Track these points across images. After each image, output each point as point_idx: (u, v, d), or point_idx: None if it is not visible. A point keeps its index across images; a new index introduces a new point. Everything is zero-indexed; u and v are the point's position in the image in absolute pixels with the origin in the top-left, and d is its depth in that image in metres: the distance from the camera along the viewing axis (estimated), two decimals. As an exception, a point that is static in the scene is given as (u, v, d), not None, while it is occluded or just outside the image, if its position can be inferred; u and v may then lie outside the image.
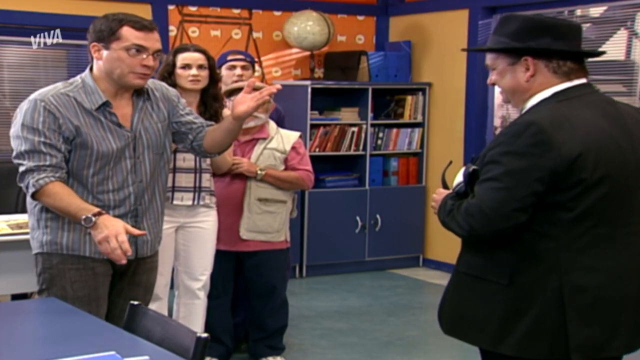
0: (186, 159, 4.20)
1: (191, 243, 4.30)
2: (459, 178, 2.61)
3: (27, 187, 3.06)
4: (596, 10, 6.59)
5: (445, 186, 2.77)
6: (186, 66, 4.23)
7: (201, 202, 4.26)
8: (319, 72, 7.54)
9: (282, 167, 4.63)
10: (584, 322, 2.51)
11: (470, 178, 2.56)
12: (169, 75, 4.22)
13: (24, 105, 3.11)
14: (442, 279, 7.13)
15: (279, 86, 3.31)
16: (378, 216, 7.39)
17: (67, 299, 3.06)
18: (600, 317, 2.52)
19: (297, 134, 4.75)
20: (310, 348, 5.20)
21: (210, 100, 4.29)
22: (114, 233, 2.90)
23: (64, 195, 3.03)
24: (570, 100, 2.55)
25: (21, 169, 3.07)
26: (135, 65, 3.08)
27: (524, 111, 2.62)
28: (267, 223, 4.58)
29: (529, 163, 2.43)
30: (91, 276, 3.15)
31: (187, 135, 3.39)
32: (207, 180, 4.29)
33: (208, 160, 4.28)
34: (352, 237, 7.31)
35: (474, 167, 2.57)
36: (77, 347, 2.40)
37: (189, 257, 4.32)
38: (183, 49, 4.31)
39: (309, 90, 7.02)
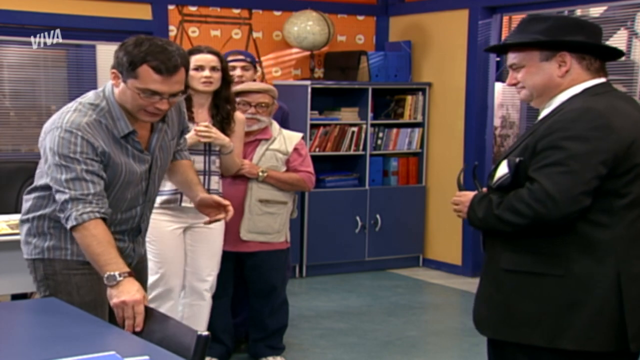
0: (195, 162, 4.15)
1: (198, 244, 4.30)
2: (503, 170, 2.58)
3: (67, 218, 2.91)
4: (596, 10, 6.59)
5: (461, 189, 2.75)
6: (199, 68, 4.21)
7: None
8: (319, 72, 7.54)
9: (284, 168, 4.63)
10: (639, 311, 2.50)
11: (516, 169, 2.54)
12: None
13: (58, 135, 2.93)
14: (442, 279, 7.13)
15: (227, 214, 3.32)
16: (378, 216, 7.38)
17: (73, 305, 2.99)
18: None
19: (300, 135, 4.75)
20: (310, 348, 5.20)
21: (222, 103, 4.28)
22: (131, 301, 2.78)
23: (103, 241, 2.89)
24: (603, 95, 2.57)
25: (63, 197, 2.91)
26: (147, 106, 2.95)
27: (550, 108, 2.61)
28: (267, 224, 4.59)
29: (593, 146, 2.44)
30: (96, 281, 3.05)
31: None
32: (215, 182, 4.28)
33: (217, 163, 4.27)
34: (352, 237, 7.31)
35: (519, 158, 2.55)
36: (77, 347, 2.40)
37: (197, 258, 4.31)
38: (196, 50, 4.29)
39: (309, 90, 7.02)
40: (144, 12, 6.69)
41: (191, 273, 4.33)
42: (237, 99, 4.51)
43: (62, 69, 6.74)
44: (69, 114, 2.97)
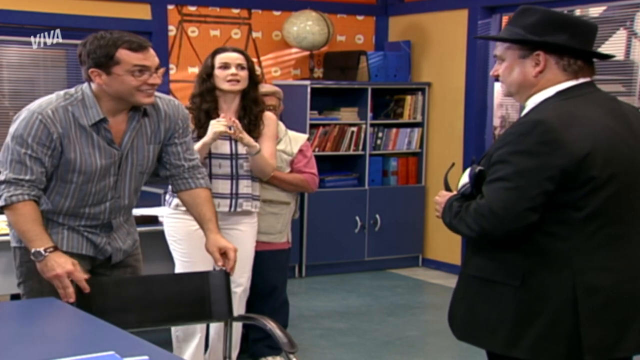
0: (222, 166, 4.15)
1: None
2: (465, 179, 2.57)
3: None
4: (595, 10, 6.59)
5: (447, 188, 2.74)
6: (224, 66, 4.13)
7: (239, 209, 4.19)
8: (319, 72, 7.54)
9: (288, 169, 4.64)
10: (597, 323, 2.48)
11: (476, 179, 2.53)
12: (207, 78, 4.16)
13: (21, 115, 3.11)
14: (441, 279, 7.14)
15: None
16: (377, 216, 7.39)
17: (43, 293, 3.09)
18: (612, 317, 2.51)
19: (305, 136, 4.79)
20: (310, 348, 5.20)
21: (250, 104, 4.19)
22: (64, 273, 2.96)
23: (29, 219, 3.03)
24: (575, 99, 2.52)
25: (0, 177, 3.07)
26: (142, 84, 3.06)
27: (526, 109, 2.59)
28: (270, 224, 4.59)
29: (539, 162, 2.41)
30: None
31: (164, 166, 3.35)
32: (245, 186, 4.21)
33: (245, 166, 4.20)
34: (352, 237, 7.31)
35: (479, 167, 2.54)
36: (77, 347, 2.40)
37: None
38: (221, 49, 4.23)
39: (309, 90, 7.02)
40: (144, 12, 6.69)
41: None
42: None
43: (61, 68, 6.75)
44: (40, 100, 3.13)
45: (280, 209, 4.64)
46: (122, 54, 3.02)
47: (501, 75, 2.63)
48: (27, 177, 3.04)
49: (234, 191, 4.17)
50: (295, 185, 4.67)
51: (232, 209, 4.18)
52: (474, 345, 2.70)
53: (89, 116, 3.09)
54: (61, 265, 2.97)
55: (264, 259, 4.63)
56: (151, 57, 3.07)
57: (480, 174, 2.52)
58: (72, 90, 3.17)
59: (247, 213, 4.26)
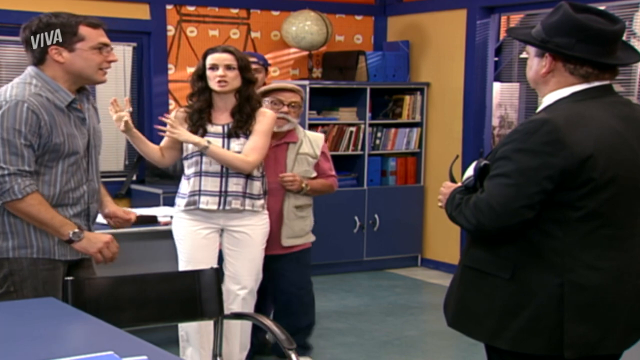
0: (212, 163, 4.14)
1: (235, 247, 4.26)
2: (470, 172, 2.62)
3: (6, 192, 3.01)
4: (594, 10, 6.60)
5: (452, 180, 2.79)
6: (213, 67, 4.13)
7: (227, 207, 4.17)
8: (317, 72, 7.54)
9: (314, 173, 4.69)
10: (581, 320, 2.52)
11: (480, 172, 2.57)
12: (200, 78, 4.17)
13: (5, 108, 3.03)
14: (440, 279, 7.14)
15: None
16: (376, 216, 7.39)
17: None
18: (597, 316, 2.54)
19: (322, 136, 4.85)
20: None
21: (243, 102, 4.16)
22: (110, 239, 3.16)
23: (49, 208, 3.07)
24: (587, 101, 2.55)
25: (0, 172, 3.02)
26: (102, 62, 3.14)
27: (541, 106, 2.63)
28: (300, 228, 4.66)
29: (541, 161, 2.45)
30: (59, 277, 3.16)
31: None
32: (234, 184, 4.17)
33: None
34: (351, 237, 7.32)
35: (485, 161, 2.58)
36: (75, 347, 2.41)
37: (234, 262, 4.27)
38: (212, 50, 4.21)
39: (307, 90, 7.02)
40: (142, 12, 6.69)
41: (229, 277, 4.29)
42: (270, 97, 4.50)
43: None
44: (9, 90, 3.08)
45: (307, 212, 4.71)
46: (85, 30, 3.09)
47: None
48: (28, 169, 3.03)
49: (222, 189, 4.16)
50: (325, 192, 4.79)
51: (221, 206, 4.17)
52: (461, 333, 2.74)
53: (59, 98, 3.11)
54: (104, 235, 3.19)
55: (293, 258, 4.68)
56: (106, 36, 3.17)
57: (485, 168, 2.57)
58: (25, 78, 3.13)
59: (238, 211, 4.21)
